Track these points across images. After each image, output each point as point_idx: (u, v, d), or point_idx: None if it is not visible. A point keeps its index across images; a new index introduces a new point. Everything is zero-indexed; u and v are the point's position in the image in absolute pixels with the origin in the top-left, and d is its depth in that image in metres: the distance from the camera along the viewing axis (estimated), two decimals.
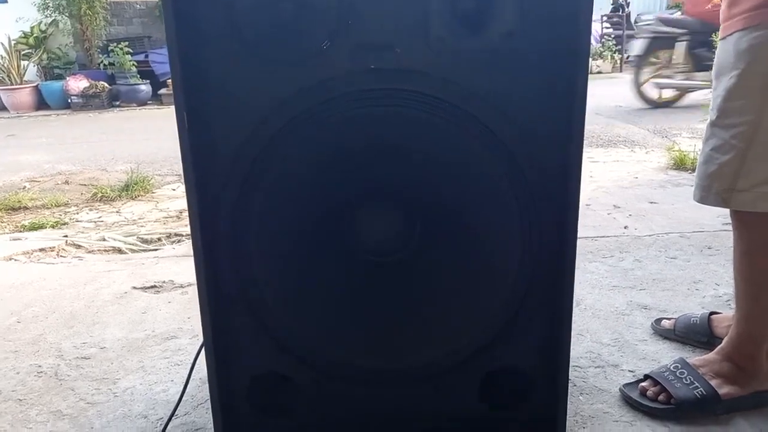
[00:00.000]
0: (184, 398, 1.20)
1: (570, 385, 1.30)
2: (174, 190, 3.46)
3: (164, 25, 0.82)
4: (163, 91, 7.46)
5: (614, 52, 8.92)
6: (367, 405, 1.01)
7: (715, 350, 1.23)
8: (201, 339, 1.50)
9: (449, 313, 0.97)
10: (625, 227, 2.38)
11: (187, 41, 0.82)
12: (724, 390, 1.16)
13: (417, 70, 0.85)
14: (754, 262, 1.12)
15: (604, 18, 9.54)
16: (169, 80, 7.54)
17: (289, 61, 0.84)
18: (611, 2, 9.99)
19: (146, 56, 7.70)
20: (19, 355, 1.51)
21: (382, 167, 0.88)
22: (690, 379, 1.18)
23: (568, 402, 1.21)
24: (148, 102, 7.57)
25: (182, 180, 3.40)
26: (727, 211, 1.12)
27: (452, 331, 0.96)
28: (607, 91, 6.82)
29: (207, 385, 1.31)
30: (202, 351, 1.13)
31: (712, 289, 1.76)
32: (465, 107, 0.87)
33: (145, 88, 7.51)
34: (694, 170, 3.71)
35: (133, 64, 7.49)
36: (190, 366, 1.19)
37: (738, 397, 1.16)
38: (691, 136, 4.22)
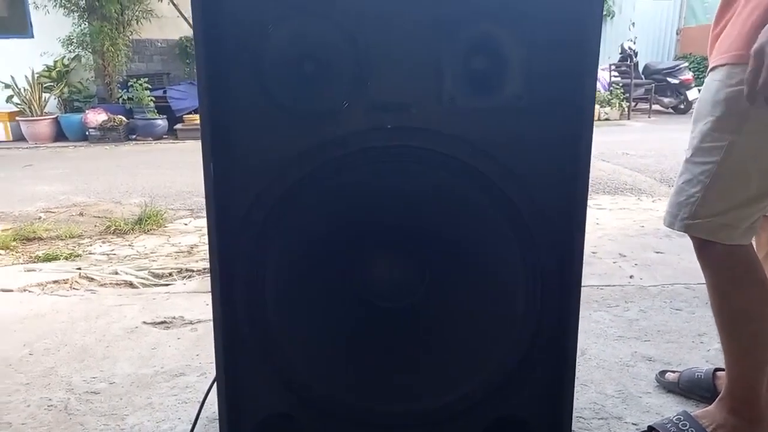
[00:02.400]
0: None
1: None
2: (186, 224, 3.52)
3: (196, 75, 0.88)
4: (179, 126, 7.61)
5: (622, 100, 9.04)
6: None
7: (716, 401, 1.24)
8: (209, 377, 1.53)
9: (455, 360, 0.99)
10: (631, 276, 2.40)
11: (216, 93, 0.88)
12: None
13: (428, 128, 0.90)
14: (724, 298, 1.18)
15: (613, 66, 9.71)
16: (186, 115, 7.72)
17: (310, 117, 0.89)
18: (620, 51, 10.18)
19: (164, 92, 7.89)
20: (30, 387, 1.54)
21: (394, 218, 0.93)
22: (693, 431, 1.19)
23: None
24: (164, 136, 7.72)
25: (194, 215, 3.47)
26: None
27: (457, 378, 0.99)
28: (615, 138, 6.89)
29: (214, 424, 1.34)
30: (211, 390, 1.16)
31: (716, 343, 1.76)
32: (473, 163, 0.91)
33: (161, 122, 7.67)
34: None
35: (151, 100, 7.67)
36: (198, 404, 1.22)
37: None
38: None
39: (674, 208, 1.16)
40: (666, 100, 9.67)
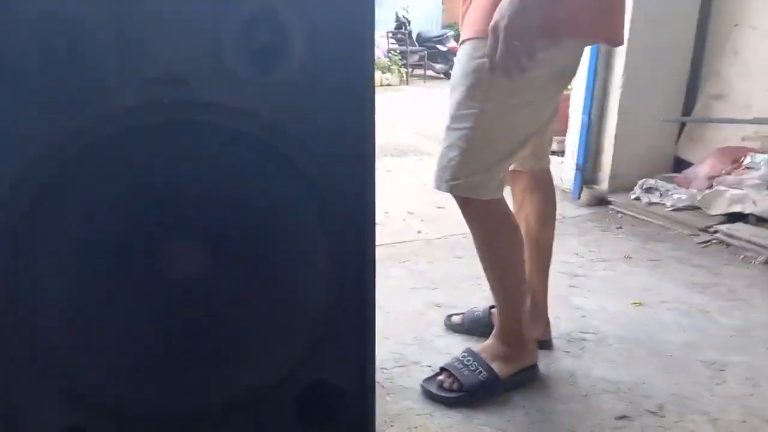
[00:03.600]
0: None
1: (378, 387, 1.41)
2: None
3: None
4: None
5: (400, 66, 9.62)
6: None
7: (491, 335, 1.44)
8: None
9: (257, 339, 0.99)
10: (419, 232, 2.61)
11: None
12: (501, 369, 1.37)
13: (211, 102, 0.86)
14: (486, 246, 1.35)
15: (390, 34, 10.24)
16: None
17: (65, 99, 0.79)
18: (395, 20, 10.77)
19: None
20: None
21: (178, 199, 0.88)
22: (475, 365, 1.37)
23: (378, 404, 1.32)
24: None
25: None
26: None
27: (261, 357, 0.99)
28: (396, 103, 7.34)
29: None
30: None
31: None
32: (260, 135, 0.90)
33: None
34: None
35: None
36: None
37: (513, 374, 1.38)
38: None
39: (440, 171, 1.28)
40: (438, 66, 10.52)
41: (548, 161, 1.51)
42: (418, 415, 1.31)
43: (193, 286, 0.92)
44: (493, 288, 1.40)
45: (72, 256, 0.87)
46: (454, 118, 1.25)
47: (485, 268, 1.38)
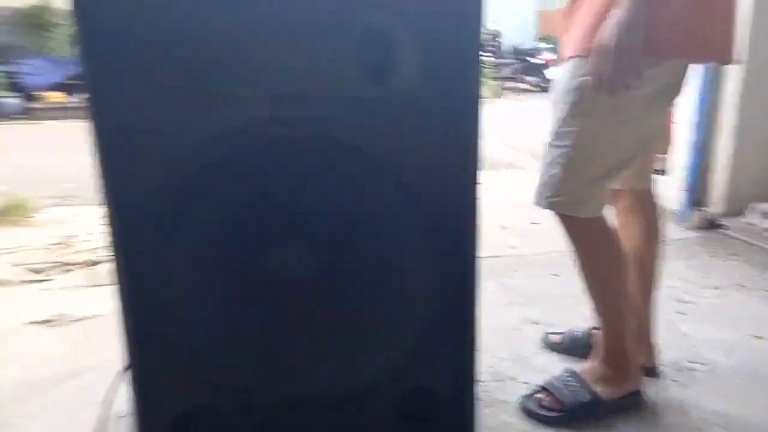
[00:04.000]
0: None
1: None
2: (57, 214, 3.25)
3: (83, 67, 0.83)
4: (36, 105, 6.92)
5: (493, 79, 9.54)
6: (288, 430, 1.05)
7: (593, 357, 1.41)
8: (106, 375, 1.45)
9: (360, 339, 1.03)
10: (513, 247, 2.59)
11: (105, 87, 0.83)
12: (604, 392, 1.34)
13: (324, 116, 0.92)
14: (587, 264, 1.33)
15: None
16: (44, 93, 7.02)
17: (205, 109, 0.87)
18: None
19: (15, 67, 7.11)
20: None
21: (293, 205, 0.94)
22: (577, 386, 1.35)
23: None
24: (19, 116, 6.98)
25: (66, 202, 3.21)
26: None
27: (363, 357, 1.03)
28: (490, 117, 7.27)
29: (123, 423, 1.29)
30: (115, 389, 1.12)
31: None
32: (368, 148, 0.95)
33: (13, 101, 6.92)
34: None
35: (1, 75, 6.88)
36: (96, 405, 1.16)
37: (617, 398, 1.34)
38: None
39: (540, 188, 1.29)
40: (530, 79, 10.34)
41: (651, 180, 1.47)
42: (516, 430, 1.31)
43: (306, 287, 0.99)
44: (595, 308, 1.37)
45: (202, 252, 0.95)
46: (556, 135, 1.25)
47: (587, 287, 1.36)
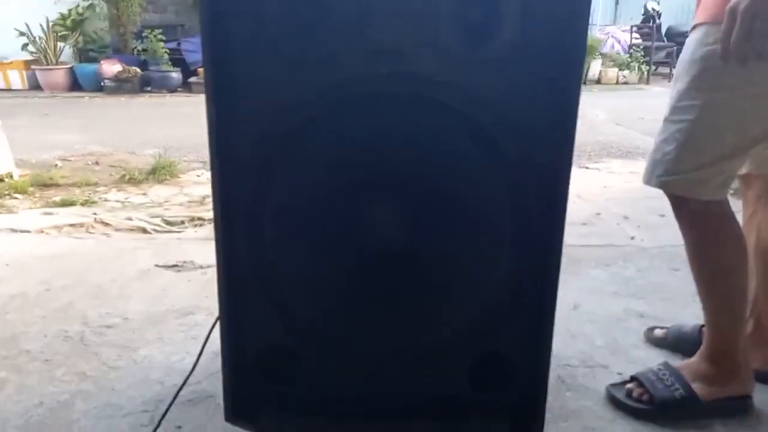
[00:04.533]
0: (197, 368, 1.29)
1: (559, 381, 1.37)
2: (199, 176, 3.58)
3: (200, 22, 0.91)
4: (193, 79, 7.62)
5: (642, 63, 8.86)
6: (365, 381, 1.09)
7: (697, 353, 1.30)
8: (216, 315, 1.60)
9: (443, 300, 1.04)
10: (632, 237, 2.43)
11: (218, 41, 0.91)
12: (703, 391, 1.23)
13: (423, 74, 0.93)
14: (700, 253, 1.23)
15: (634, 29, 9.48)
16: (200, 68, 7.70)
17: (309, 64, 0.92)
18: (642, 13, 9.92)
19: (178, 44, 7.87)
20: (48, 320, 1.63)
21: (387, 163, 0.96)
22: (671, 381, 1.25)
23: (555, 397, 1.29)
24: (178, 89, 7.73)
25: (207, 167, 3.52)
26: None
27: (444, 318, 1.04)
28: (632, 103, 6.81)
29: (219, 357, 1.42)
30: (216, 326, 1.23)
31: None
32: (465, 110, 0.94)
33: (176, 75, 7.68)
34: None
35: (166, 52, 7.66)
36: (204, 339, 1.29)
37: (718, 399, 1.23)
38: None
39: (651, 165, 1.20)
40: None
41: None
42: (598, 417, 1.25)
43: (395, 246, 1.01)
44: (704, 301, 1.26)
45: (295, 204, 1.01)
46: (675, 109, 1.15)
47: (695, 278, 1.25)
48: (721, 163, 1.13)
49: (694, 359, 1.30)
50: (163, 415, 1.17)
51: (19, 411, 1.24)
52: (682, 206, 1.20)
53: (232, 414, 1.06)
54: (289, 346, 1.08)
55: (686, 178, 1.15)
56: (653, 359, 1.47)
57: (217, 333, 1.18)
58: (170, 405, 1.18)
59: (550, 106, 0.92)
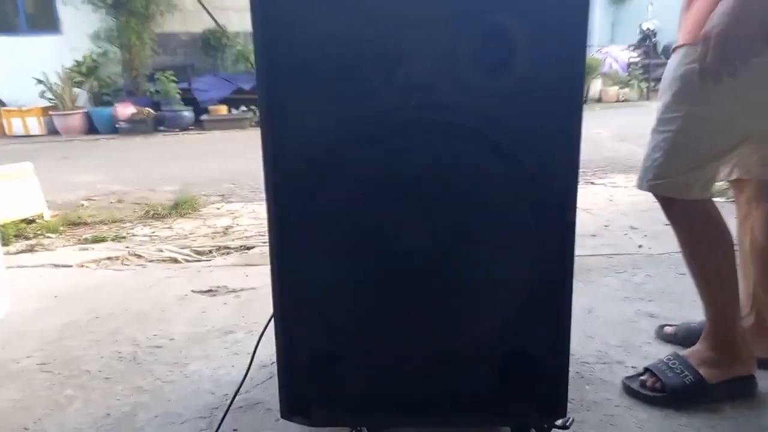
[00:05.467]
0: (244, 380, 1.41)
1: (578, 377, 1.49)
2: (218, 209, 3.74)
3: (255, 67, 1.06)
4: (204, 117, 7.86)
5: (641, 81, 9.05)
6: (400, 379, 1.21)
7: (699, 341, 1.41)
8: (255, 334, 1.73)
9: (472, 306, 1.17)
10: (640, 246, 2.55)
11: (271, 78, 1.06)
12: (709, 375, 1.35)
13: (449, 104, 1.07)
14: (690, 248, 1.37)
15: (632, 47, 9.71)
16: (211, 107, 7.95)
17: (348, 96, 1.07)
18: (638, 33, 10.16)
19: (189, 84, 8.14)
20: (101, 343, 1.76)
21: (421, 181, 1.10)
22: (681, 368, 1.36)
23: (576, 390, 1.40)
24: (190, 127, 7.98)
25: (226, 200, 3.70)
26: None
27: (474, 320, 1.16)
28: (633, 120, 6.96)
29: (264, 369, 1.55)
30: (259, 342, 1.36)
31: None
32: (486, 133, 1.08)
33: (188, 114, 7.93)
34: None
35: (178, 92, 7.93)
36: (248, 355, 1.41)
37: (724, 381, 1.35)
38: None
39: (642, 172, 1.35)
40: None
41: None
42: (616, 406, 1.36)
43: (425, 257, 1.14)
44: (700, 293, 1.38)
45: (338, 223, 1.15)
46: (660, 121, 1.30)
47: (691, 273, 1.38)
48: (702, 166, 1.28)
49: (698, 346, 1.41)
50: (222, 420, 1.29)
51: (89, 422, 1.36)
52: (671, 207, 1.34)
53: (288, 411, 1.17)
54: (333, 351, 1.21)
55: (672, 181, 1.29)
56: (664, 353, 1.58)
57: (260, 347, 1.32)
58: (227, 411, 1.30)
59: (560, 124, 1.06)
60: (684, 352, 1.43)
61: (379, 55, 1.05)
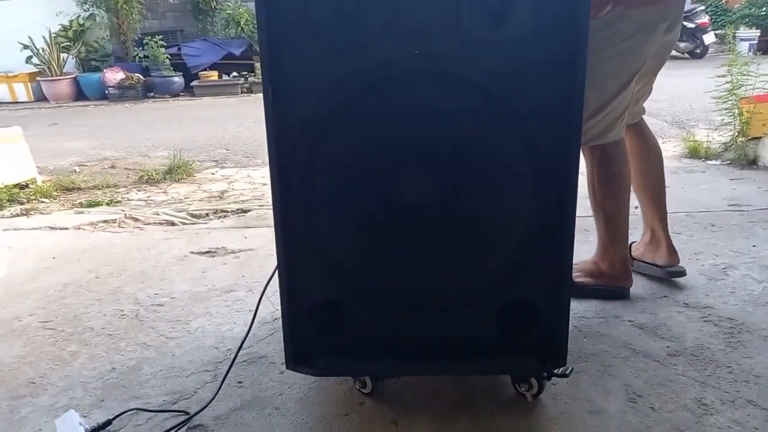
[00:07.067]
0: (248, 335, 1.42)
1: (576, 330, 1.51)
2: (213, 174, 3.72)
3: (255, 8, 1.05)
4: (195, 83, 7.74)
5: None
6: (402, 327, 1.23)
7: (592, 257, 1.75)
8: (255, 293, 1.74)
9: (472, 253, 1.18)
10: (636, 207, 2.56)
11: (270, 31, 1.04)
12: (580, 281, 1.70)
13: (448, 54, 1.06)
14: (593, 187, 1.65)
15: None
16: (201, 72, 7.83)
17: (348, 47, 1.06)
18: None
19: (179, 49, 8.00)
20: (103, 302, 1.77)
21: (419, 132, 1.10)
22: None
23: (574, 343, 1.43)
24: (181, 93, 7.87)
25: (220, 165, 3.68)
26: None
27: (474, 268, 1.18)
28: None
29: (266, 325, 1.56)
30: (261, 298, 1.37)
31: (710, 259, 1.95)
32: (487, 85, 1.08)
33: (178, 80, 7.81)
34: (707, 158, 3.79)
35: (167, 57, 7.79)
36: (249, 312, 1.43)
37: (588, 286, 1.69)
38: (707, 127, 4.35)
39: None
40: (682, 44, 9.57)
41: (642, 112, 1.83)
42: (613, 357, 1.39)
43: (426, 206, 1.15)
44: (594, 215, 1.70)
45: (340, 173, 1.15)
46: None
47: (593, 204, 1.67)
48: (602, 110, 1.50)
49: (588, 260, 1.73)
50: (227, 373, 1.30)
51: (95, 375, 1.38)
52: (591, 154, 1.61)
53: (293, 361, 1.19)
54: (336, 299, 1.22)
55: (587, 132, 1.50)
56: (660, 307, 1.61)
57: (261, 304, 1.33)
58: (231, 364, 1.32)
59: (561, 74, 1.06)
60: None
61: (379, 7, 1.03)
